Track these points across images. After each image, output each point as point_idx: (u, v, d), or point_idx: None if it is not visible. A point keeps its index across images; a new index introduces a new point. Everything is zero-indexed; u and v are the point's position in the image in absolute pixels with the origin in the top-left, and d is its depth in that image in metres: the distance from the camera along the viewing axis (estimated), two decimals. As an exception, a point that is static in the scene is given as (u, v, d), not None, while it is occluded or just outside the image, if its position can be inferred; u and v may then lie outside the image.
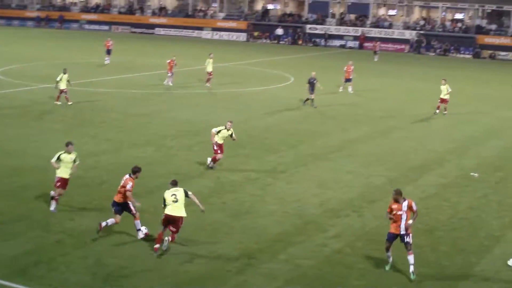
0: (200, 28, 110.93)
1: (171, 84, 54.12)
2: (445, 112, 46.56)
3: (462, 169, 32.80)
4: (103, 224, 21.88)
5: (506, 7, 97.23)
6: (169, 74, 54.58)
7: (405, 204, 19.83)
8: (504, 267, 21.06)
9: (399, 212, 19.81)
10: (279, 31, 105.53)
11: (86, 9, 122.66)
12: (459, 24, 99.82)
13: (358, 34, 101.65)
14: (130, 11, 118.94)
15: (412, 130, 41.92)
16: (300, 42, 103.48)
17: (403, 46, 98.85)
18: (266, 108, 46.32)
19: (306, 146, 36.17)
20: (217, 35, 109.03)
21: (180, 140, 36.12)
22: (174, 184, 21.47)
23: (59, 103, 43.77)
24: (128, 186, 21.83)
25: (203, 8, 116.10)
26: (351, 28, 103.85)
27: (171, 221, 21.02)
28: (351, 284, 19.46)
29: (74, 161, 24.22)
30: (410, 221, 19.78)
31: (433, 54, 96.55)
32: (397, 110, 48.10)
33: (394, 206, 19.92)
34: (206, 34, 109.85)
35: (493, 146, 38.50)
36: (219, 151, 30.18)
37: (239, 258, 20.83)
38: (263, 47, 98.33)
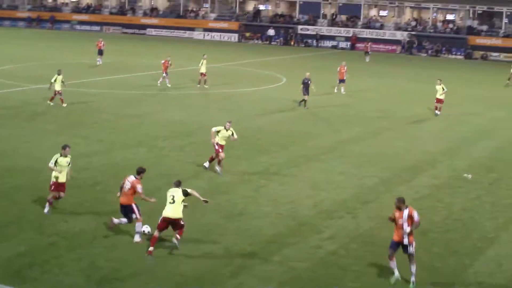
0: (192, 29, 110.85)
1: (169, 85, 53.91)
2: (439, 112, 46.61)
3: (455, 170, 32.82)
4: (116, 221, 22.05)
5: (497, 8, 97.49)
6: (164, 75, 54.45)
7: (406, 213, 19.42)
8: (497, 269, 21.09)
9: (400, 221, 19.47)
10: (271, 32, 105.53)
11: (77, 10, 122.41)
12: (451, 25, 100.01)
13: (350, 35, 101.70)
14: (122, 11, 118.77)
15: (404, 130, 41.96)
16: (292, 42, 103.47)
17: (394, 47, 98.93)
18: (258, 109, 46.30)
19: (298, 147, 36.15)
20: (208, 36, 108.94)
21: (172, 141, 36.05)
22: (177, 185, 21.56)
23: (51, 103, 43.65)
24: (139, 189, 21.90)
25: (194, 9, 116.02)
26: (342, 29, 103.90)
27: (171, 223, 21.13)
28: (345, 286, 19.41)
29: (69, 164, 24.18)
30: (408, 229, 19.37)
31: (425, 55, 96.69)
32: (389, 111, 48.14)
33: (397, 214, 19.55)
34: (198, 35, 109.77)
35: (485, 146, 38.53)
36: (220, 150, 30.04)
37: (233, 260, 20.79)
38: (255, 48, 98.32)
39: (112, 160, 31.54)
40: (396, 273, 19.56)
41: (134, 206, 21.99)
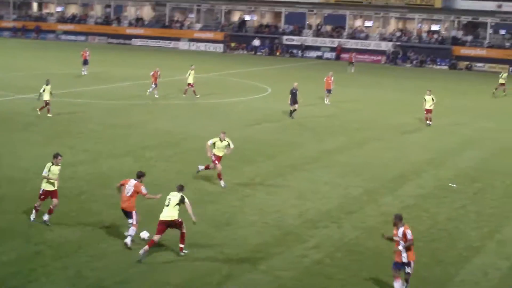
0: (177, 39, 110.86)
1: (156, 96, 53.93)
2: (431, 122, 46.83)
3: (440, 179, 32.96)
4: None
5: (481, 19, 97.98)
6: (153, 86, 54.41)
7: (400, 231, 19.24)
8: (483, 278, 21.22)
9: (396, 238, 19.33)
10: (256, 42, 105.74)
11: (62, 20, 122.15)
12: (435, 36, 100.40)
13: (335, 45, 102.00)
14: (107, 21, 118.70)
15: (389, 140, 42.07)
16: (277, 53, 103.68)
17: (379, 58, 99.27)
18: (244, 119, 46.35)
19: (284, 157, 36.22)
20: (194, 46, 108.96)
21: (159, 151, 36.04)
22: (179, 189, 22.05)
23: (39, 113, 43.53)
24: (144, 190, 22.30)
25: (179, 19, 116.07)
26: (327, 39, 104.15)
27: (168, 225, 21.55)
28: (331, 295, 19.52)
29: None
30: (400, 247, 19.18)
31: (410, 65, 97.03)
32: (373, 121, 48.27)
33: (394, 231, 19.43)
34: (183, 45, 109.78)
35: (470, 157, 38.68)
36: (217, 162, 30.02)
37: (220, 268, 20.83)
38: (240, 58, 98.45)
39: (98, 170, 31.52)
40: None
41: (134, 213, 22.31)
